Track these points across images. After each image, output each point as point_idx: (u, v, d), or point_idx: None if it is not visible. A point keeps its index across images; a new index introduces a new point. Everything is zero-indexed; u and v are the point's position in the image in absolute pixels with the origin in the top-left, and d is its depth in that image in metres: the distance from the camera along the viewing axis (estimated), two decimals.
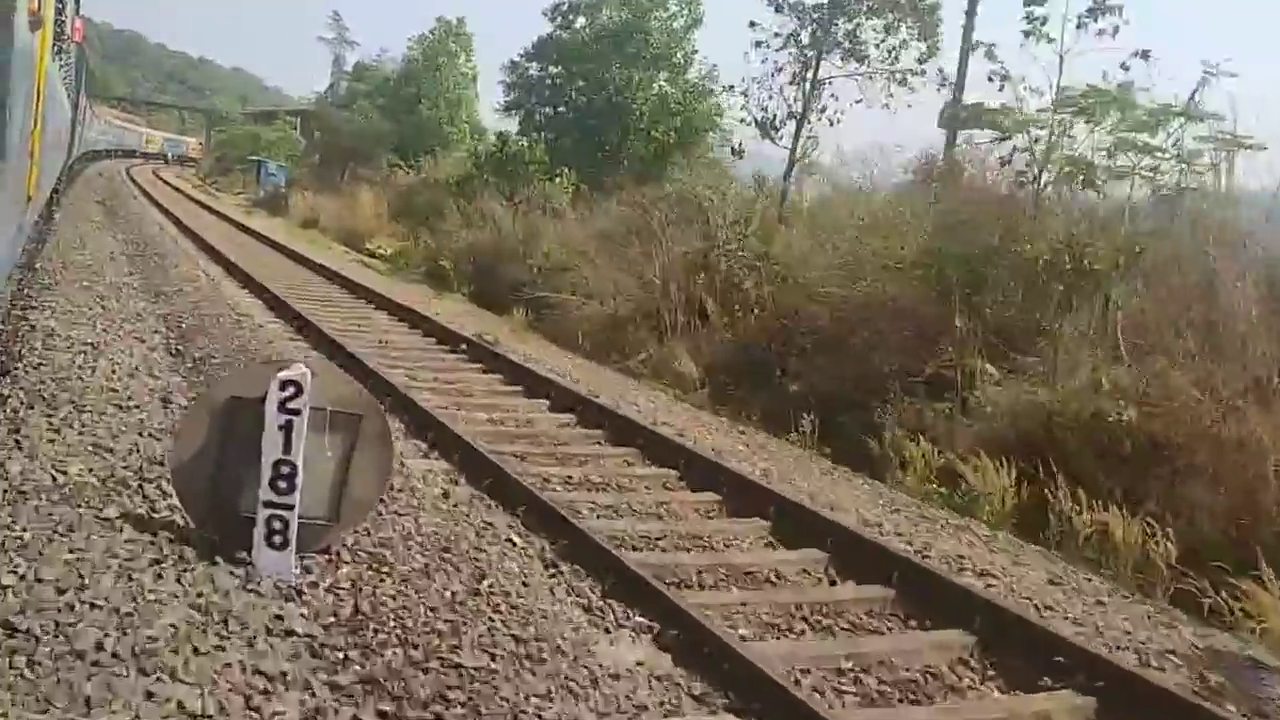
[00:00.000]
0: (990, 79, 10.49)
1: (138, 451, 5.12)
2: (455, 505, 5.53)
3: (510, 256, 18.30)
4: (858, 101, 18.84)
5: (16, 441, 4.93)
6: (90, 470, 4.68)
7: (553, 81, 29.60)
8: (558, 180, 24.86)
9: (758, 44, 19.42)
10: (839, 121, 18.74)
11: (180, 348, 8.98)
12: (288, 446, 4.25)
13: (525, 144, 25.25)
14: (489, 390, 9.21)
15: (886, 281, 10.77)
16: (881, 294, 10.71)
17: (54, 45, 5.68)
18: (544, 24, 30.19)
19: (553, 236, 18.69)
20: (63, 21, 6.53)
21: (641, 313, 14.43)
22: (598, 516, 5.90)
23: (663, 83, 27.16)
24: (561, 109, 29.23)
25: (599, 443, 7.72)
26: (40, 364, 6.76)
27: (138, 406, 6.17)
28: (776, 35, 19.09)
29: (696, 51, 27.17)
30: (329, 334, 10.57)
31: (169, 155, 73.40)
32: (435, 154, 39.76)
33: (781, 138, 18.94)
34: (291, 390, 4.24)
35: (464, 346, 10.91)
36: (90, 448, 5.02)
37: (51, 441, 4.98)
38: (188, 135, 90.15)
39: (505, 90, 33.20)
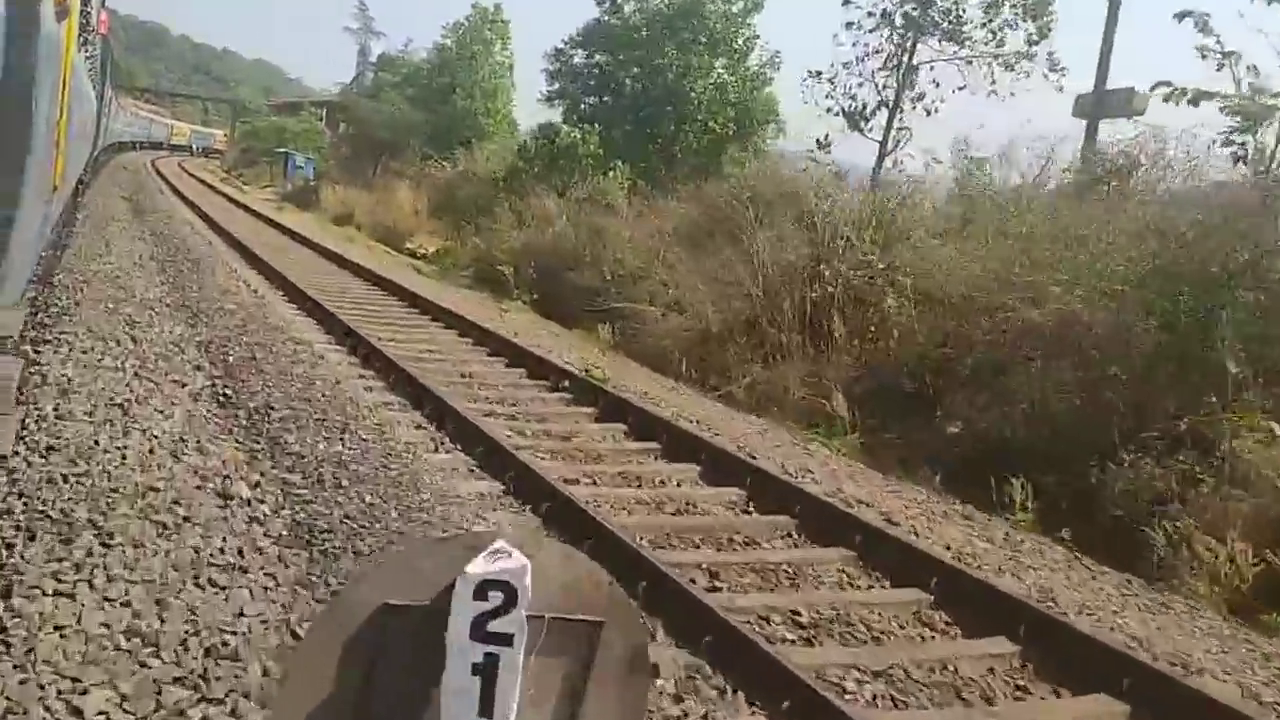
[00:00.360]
0: (1203, 55, 8.41)
1: (196, 634, 3.17)
2: (681, 701, 3.54)
3: (574, 259, 16.29)
4: (960, 88, 16.70)
5: (3, 629, 2.99)
6: (120, 700, 2.73)
7: (600, 69, 27.52)
8: (611, 174, 22.88)
9: (848, 25, 17.30)
10: (936, 110, 16.62)
11: (229, 392, 7.04)
12: (489, 702, 2.30)
13: (578, 135, 23.22)
14: (618, 450, 7.21)
15: (1077, 304, 8.71)
16: (1073, 319, 8.66)
17: (80, 36, 5.25)
18: (582, 11, 28.21)
19: (618, 237, 16.68)
20: (88, 13, 6.19)
21: (735, 328, 12.43)
22: (874, 696, 3.90)
23: (721, 70, 25.04)
24: (607, 98, 27.15)
25: (794, 538, 5.73)
26: (51, 445, 4.82)
27: (188, 519, 4.22)
28: (870, 15, 16.95)
29: (757, 37, 25.02)
30: (402, 366, 8.60)
31: (194, 147, 71.78)
32: (470, 146, 37.83)
33: (871, 129, 16.85)
34: (499, 598, 2.29)
35: (566, 383, 8.92)
36: (121, 636, 3.06)
37: (60, 631, 3.02)
38: (211, 127, 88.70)
39: (548, 79, 31.20)
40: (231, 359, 8.13)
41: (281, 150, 49.43)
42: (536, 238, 18.43)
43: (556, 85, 30.79)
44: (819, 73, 16.78)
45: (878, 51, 16.62)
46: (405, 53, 70.18)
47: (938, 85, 16.75)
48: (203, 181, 41.07)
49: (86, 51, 6.46)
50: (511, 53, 38.95)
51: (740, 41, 24.76)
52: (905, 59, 16.44)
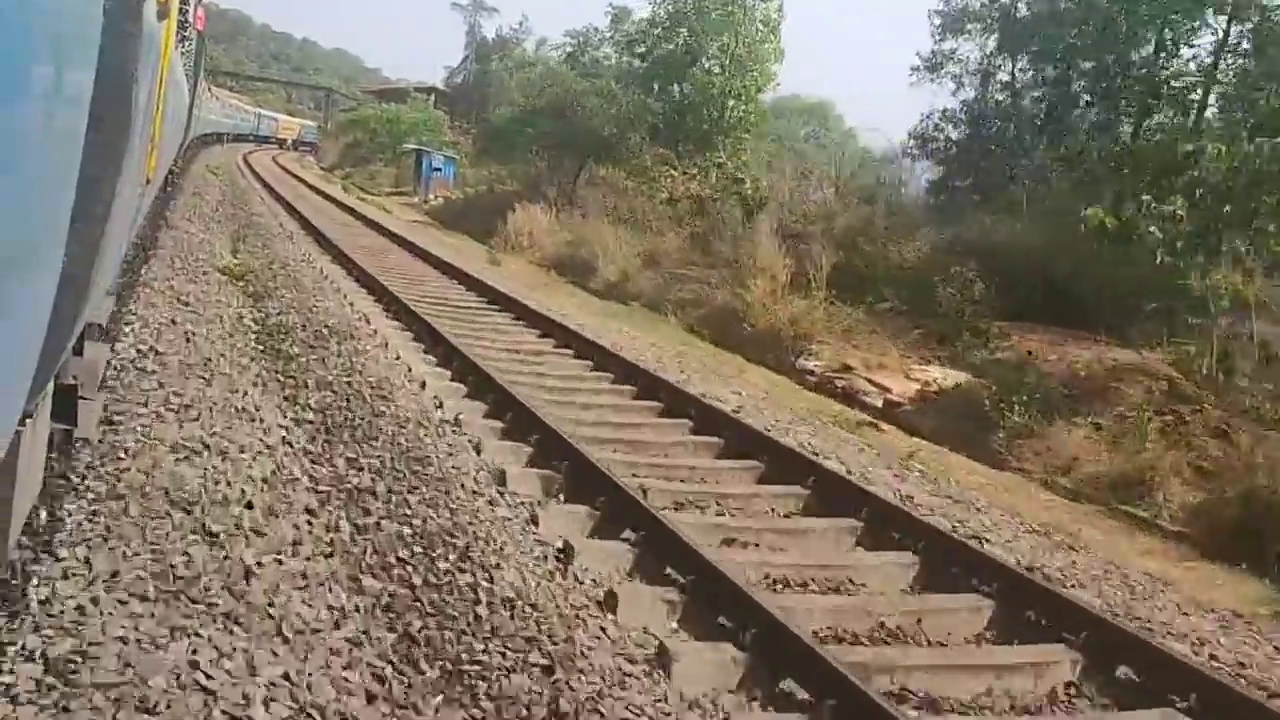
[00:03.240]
0: None
1: None
2: None
3: None
4: None
5: None
6: None
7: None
8: None
9: None
10: None
11: None
12: None
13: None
14: None
15: None
16: None
17: (177, 33, 5.03)
18: None
19: None
20: (186, 9, 6.00)
21: None
22: None
23: None
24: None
25: None
26: None
27: None
28: None
29: None
30: None
31: (291, 141, 59.75)
32: (719, 145, 24.36)
33: None
34: None
35: None
36: None
37: None
38: (294, 116, 76.62)
39: (940, 31, 17.59)
40: None
41: (410, 147, 36.49)
42: None
43: (952, 42, 17.33)
44: None
45: None
46: (520, 33, 57.25)
47: None
48: (316, 190, 28.24)
49: (182, 48, 6.38)
50: (780, 5, 25.10)
51: None
52: None
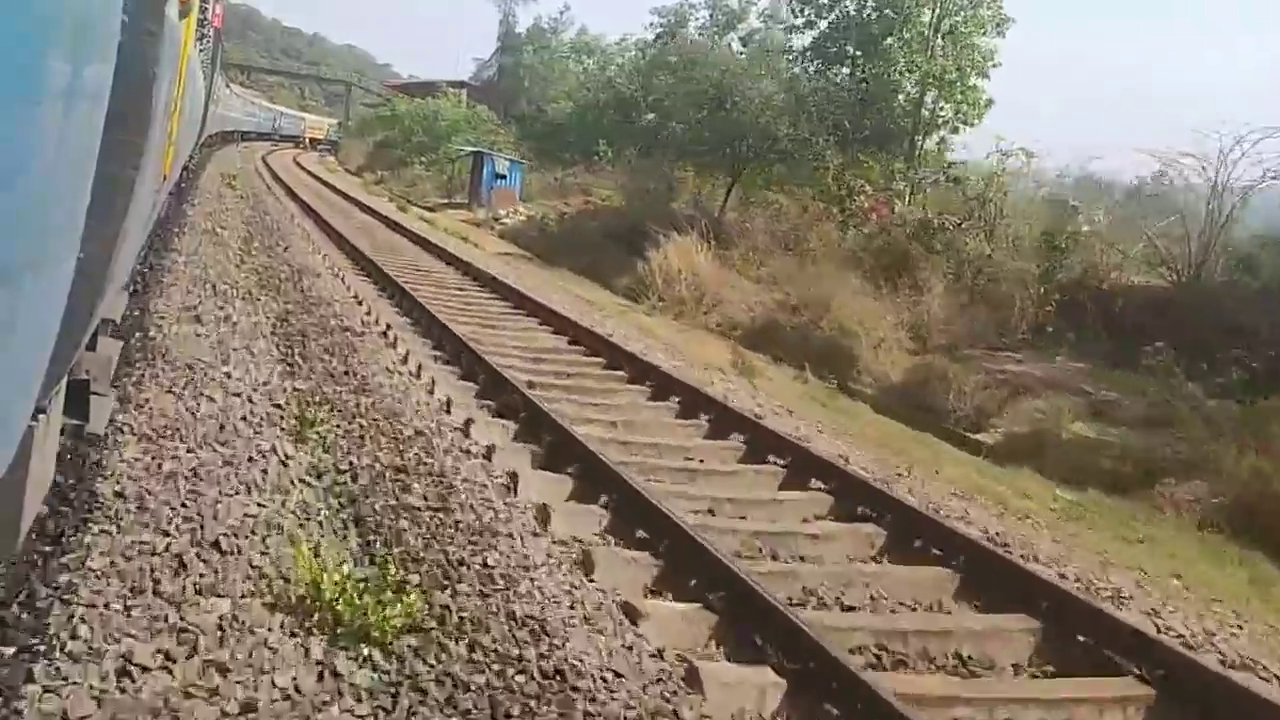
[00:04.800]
0: None
1: None
2: None
3: None
4: None
5: None
6: None
7: None
8: None
9: None
10: None
11: None
12: None
13: None
14: None
15: None
16: None
17: (197, 31, 5.16)
18: None
19: None
20: (206, 7, 6.19)
21: None
22: None
23: None
24: None
25: None
26: None
27: None
28: None
29: None
30: None
31: (307, 140, 52.71)
32: (910, 151, 17.23)
33: None
34: None
35: None
36: None
37: None
38: (307, 112, 69.50)
39: None
40: None
41: (467, 149, 29.24)
42: None
43: None
44: None
45: None
46: (560, 22, 50.85)
47: None
48: (364, 207, 21.20)
49: (201, 46, 6.32)
50: None
51: None
52: None
